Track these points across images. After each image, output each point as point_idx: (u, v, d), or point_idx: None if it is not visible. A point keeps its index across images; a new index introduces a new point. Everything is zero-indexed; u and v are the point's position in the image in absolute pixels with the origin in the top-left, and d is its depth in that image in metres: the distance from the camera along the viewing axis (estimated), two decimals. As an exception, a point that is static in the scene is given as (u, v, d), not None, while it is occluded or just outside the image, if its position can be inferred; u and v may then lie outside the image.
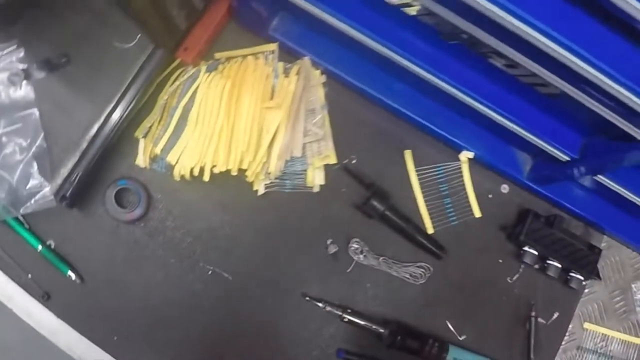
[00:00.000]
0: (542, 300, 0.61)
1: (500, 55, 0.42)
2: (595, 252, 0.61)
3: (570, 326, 0.63)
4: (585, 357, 0.64)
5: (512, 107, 0.48)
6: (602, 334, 0.64)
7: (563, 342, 0.62)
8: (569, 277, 0.60)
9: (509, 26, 0.35)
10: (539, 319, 0.61)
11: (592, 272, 0.60)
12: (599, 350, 0.64)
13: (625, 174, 0.51)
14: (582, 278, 0.60)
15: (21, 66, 0.56)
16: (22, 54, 0.56)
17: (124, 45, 0.57)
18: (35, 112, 0.56)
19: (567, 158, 0.50)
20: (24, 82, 0.56)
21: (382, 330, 0.55)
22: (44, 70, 0.57)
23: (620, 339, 0.65)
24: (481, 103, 0.49)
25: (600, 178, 0.51)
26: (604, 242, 0.64)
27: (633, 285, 0.65)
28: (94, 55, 0.57)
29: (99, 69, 0.56)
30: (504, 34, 0.37)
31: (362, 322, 0.55)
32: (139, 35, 0.57)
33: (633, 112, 0.38)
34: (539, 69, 0.40)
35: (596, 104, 0.42)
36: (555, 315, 0.61)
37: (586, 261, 0.60)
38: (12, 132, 0.56)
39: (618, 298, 0.65)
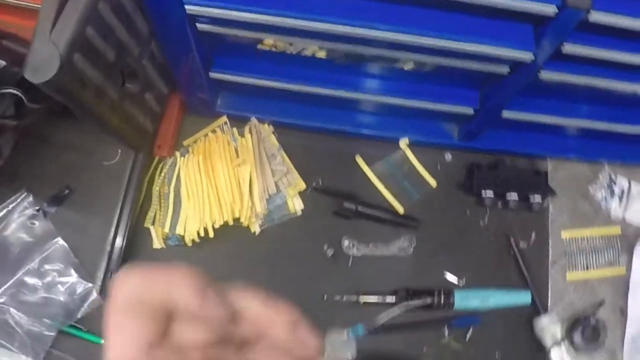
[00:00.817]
0: (517, 229, 0.79)
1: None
2: (542, 174, 0.80)
3: (550, 241, 0.81)
4: (575, 259, 0.82)
5: (412, 90, 0.68)
6: (581, 236, 0.82)
7: (550, 256, 0.80)
8: (530, 202, 0.79)
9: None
10: (521, 244, 0.79)
11: (546, 191, 0.79)
12: (583, 250, 0.82)
13: (523, 102, 0.71)
14: (540, 198, 0.79)
15: (33, 209, 0.75)
16: (31, 199, 0.74)
17: (111, 162, 0.78)
18: (59, 239, 0.76)
19: (472, 111, 0.70)
20: (42, 220, 0.77)
21: (394, 299, 0.74)
22: (53, 205, 0.76)
23: (599, 235, 0.83)
24: (391, 96, 0.69)
25: (507, 113, 0.71)
26: (550, 166, 0.83)
27: (590, 188, 0.84)
28: (90, 178, 0.76)
29: (98, 187, 0.75)
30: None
31: (376, 300, 0.74)
32: (120, 150, 0.79)
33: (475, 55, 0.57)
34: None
35: (445, 59, 0.60)
36: (533, 236, 0.79)
37: (537, 184, 0.79)
38: (45, 261, 0.75)
39: (581, 203, 0.82)
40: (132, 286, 0.23)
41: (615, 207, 0.82)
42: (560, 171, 0.81)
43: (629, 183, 0.83)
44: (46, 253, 0.76)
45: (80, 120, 0.77)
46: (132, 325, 0.22)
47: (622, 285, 0.81)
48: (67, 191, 0.78)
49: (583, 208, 0.81)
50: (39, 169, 0.78)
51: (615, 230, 0.82)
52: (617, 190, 0.82)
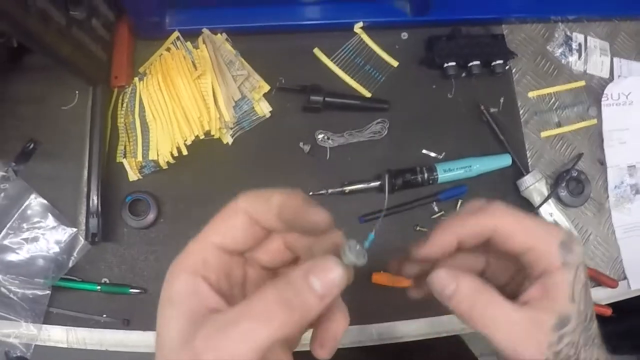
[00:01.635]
0: (485, 95, 0.80)
1: None
2: (499, 37, 0.81)
3: (519, 102, 0.82)
4: (547, 117, 0.83)
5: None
6: (548, 93, 0.83)
7: (521, 117, 0.82)
8: (492, 67, 0.80)
9: None
10: (492, 109, 0.80)
11: (506, 53, 0.80)
12: (553, 107, 0.83)
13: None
14: (501, 62, 0.80)
15: (2, 171, 0.74)
16: None
17: (70, 105, 0.77)
18: (34, 195, 0.74)
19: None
20: (13, 180, 0.75)
21: (379, 183, 0.74)
22: (21, 162, 0.75)
23: (565, 90, 0.84)
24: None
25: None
26: (505, 30, 0.84)
27: (547, 47, 0.85)
28: (52, 126, 0.75)
29: (62, 134, 0.75)
30: None
31: (361, 186, 0.74)
32: (77, 91, 0.77)
33: None
34: None
35: None
36: (502, 100, 0.80)
37: (496, 48, 0.80)
38: (24, 220, 0.73)
39: (542, 62, 0.84)
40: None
41: (575, 62, 0.84)
42: (516, 34, 0.82)
43: (585, 38, 0.84)
44: (24, 211, 0.75)
45: (29, 69, 0.76)
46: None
47: (597, 136, 0.83)
48: (31, 145, 0.76)
49: (545, 66, 0.83)
50: None
51: (580, 83, 0.83)
52: (574, 45, 0.84)
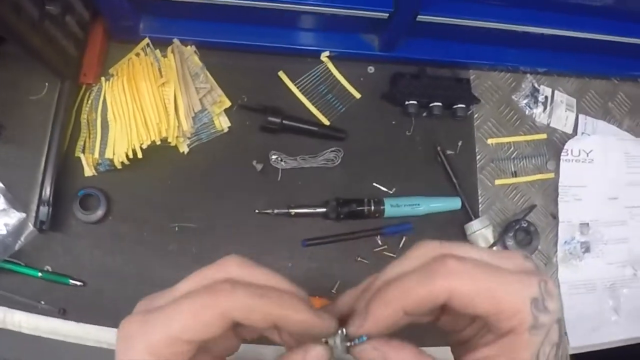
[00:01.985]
0: (443, 136, 0.81)
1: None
2: (464, 82, 0.82)
3: (477, 147, 0.83)
4: (503, 165, 0.84)
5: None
6: (507, 142, 0.84)
7: (478, 162, 0.83)
8: (453, 109, 0.81)
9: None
10: (448, 152, 0.81)
11: (469, 98, 0.82)
12: (511, 156, 0.84)
13: (440, 5, 0.72)
14: (464, 106, 0.81)
15: None
16: None
17: (39, 95, 0.79)
18: (-8, 179, 0.77)
19: (387, 15, 0.72)
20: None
21: (325, 209, 0.75)
22: None
23: (526, 141, 0.85)
24: (306, 4, 0.71)
25: (423, 17, 0.73)
26: (472, 75, 0.85)
27: (513, 97, 0.86)
28: (19, 113, 0.78)
29: (27, 122, 0.77)
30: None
31: (306, 210, 0.75)
32: (47, 83, 0.79)
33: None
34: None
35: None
36: (460, 143, 0.82)
37: (460, 91, 0.81)
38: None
39: (506, 111, 0.86)
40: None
41: (540, 114, 0.85)
42: (483, 80, 0.84)
43: (552, 91, 0.85)
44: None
45: (4, 55, 0.78)
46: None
47: (552, 190, 0.84)
48: (-3, 128, 0.77)
49: (508, 115, 0.84)
50: None
51: (542, 136, 0.84)
52: (540, 97, 0.85)
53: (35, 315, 0.73)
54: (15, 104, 0.79)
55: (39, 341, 0.75)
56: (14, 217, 0.75)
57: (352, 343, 0.30)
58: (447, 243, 0.30)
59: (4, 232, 0.73)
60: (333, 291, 0.75)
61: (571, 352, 0.83)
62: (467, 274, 0.27)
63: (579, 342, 0.83)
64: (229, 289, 0.27)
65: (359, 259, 0.77)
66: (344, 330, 0.31)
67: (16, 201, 0.75)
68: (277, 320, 0.28)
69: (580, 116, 0.88)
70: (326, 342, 0.30)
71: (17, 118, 0.78)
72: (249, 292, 0.28)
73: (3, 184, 0.76)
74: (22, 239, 0.74)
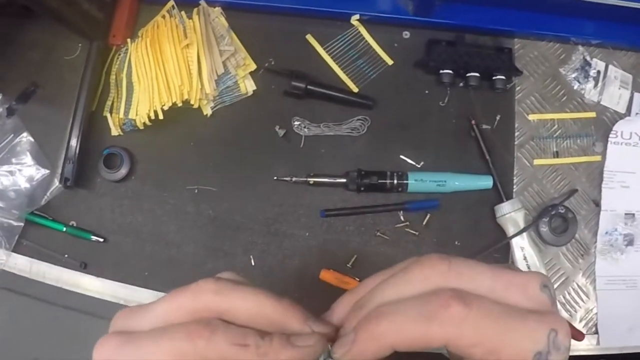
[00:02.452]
0: (480, 109, 0.76)
1: None
2: (506, 51, 0.76)
3: (516, 123, 0.77)
4: (544, 144, 0.77)
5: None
6: (551, 119, 0.78)
7: (516, 139, 0.76)
8: (493, 81, 0.75)
9: None
10: (484, 126, 0.75)
11: (510, 69, 0.75)
12: (554, 135, 0.77)
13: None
14: (504, 77, 0.75)
15: (3, 107, 0.79)
16: (0, 97, 0.80)
17: (72, 56, 0.80)
18: (25, 134, 0.78)
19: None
20: (11, 116, 0.79)
21: (345, 180, 0.72)
22: (21, 102, 0.80)
23: (571, 118, 0.78)
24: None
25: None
26: (517, 44, 0.78)
27: (561, 70, 0.79)
28: (54, 73, 0.80)
29: (60, 82, 0.79)
30: None
31: (326, 180, 0.72)
32: (80, 45, 0.80)
33: None
34: None
35: None
36: (498, 118, 0.76)
37: (500, 62, 0.75)
38: (13, 155, 0.78)
39: (552, 85, 0.78)
40: None
41: (590, 90, 0.78)
42: (528, 50, 0.78)
43: (606, 66, 0.77)
44: (14, 147, 0.79)
45: (42, 17, 0.80)
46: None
47: (597, 175, 0.78)
48: (32, 88, 0.80)
49: (554, 90, 0.78)
50: (6, 69, 0.82)
51: (590, 114, 0.77)
52: (592, 72, 0.78)
53: (59, 268, 0.75)
54: (51, 64, 0.80)
55: (58, 293, 0.77)
56: (40, 172, 0.76)
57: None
58: (456, 264, 0.27)
59: (28, 186, 0.75)
60: (349, 265, 0.72)
61: (603, 352, 0.76)
62: (471, 324, 0.25)
63: (612, 342, 0.76)
64: (207, 336, 0.26)
65: (378, 233, 0.73)
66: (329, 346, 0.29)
67: (44, 157, 0.77)
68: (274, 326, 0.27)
69: (636, 95, 0.80)
70: None
71: (52, 78, 0.80)
72: (228, 340, 0.26)
73: (34, 139, 0.77)
74: (49, 194, 0.77)
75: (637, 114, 0.79)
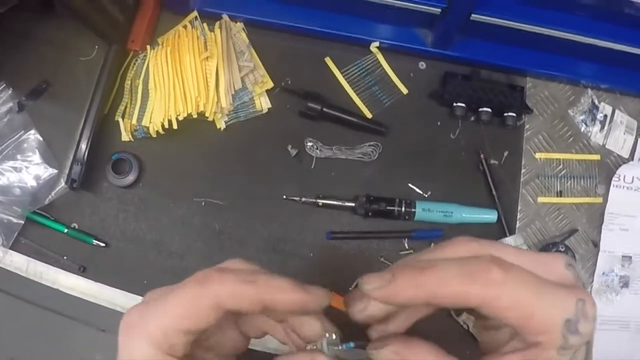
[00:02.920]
0: (489, 144, 0.77)
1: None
2: (518, 89, 0.77)
3: (523, 160, 0.78)
4: (549, 183, 0.78)
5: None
6: (557, 159, 0.79)
7: (522, 176, 0.78)
8: (503, 117, 0.76)
9: None
10: (492, 161, 0.76)
11: (522, 107, 0.76)
12: (559, 174, 0.79)
13: (496, 5, 0.68)
14: (514, 115, 0.76)
15: (13, 102, 0.78)
16: (10, 92, 0.78)
17: (88, 57, 0.79)
18: (33, 131, 0.77)
19: (439, 9, 0.68)
20: (20, 112, 0.78)
21: (354, 204, 0.72)
22: (31, 99, 0.79)
23: (577, 160, 0.79)
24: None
25: (477, 16, 0.68)
26: (529, 83, 0.80)
27: (570, 111, 0.80)
28: (67, 73, 0.79)
29: (74, 82, 0.78)
30: None
31: (335, 202, 0.73)
32: (97, 46, 0.79)
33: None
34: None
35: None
36: (506, 154, 0.77)
37: (512, 99, 0.76)
38: (19, 151, 0.77)
39: (560, 126, 0.80)
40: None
41: (595, 133, 0.79)
42: (539, 89, 0.79)
43: (613, 110, 0.79)
44: (21, 143, 0.78)
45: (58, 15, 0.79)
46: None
47: (597, 216, 0.79)
48: (44, 85, 0.80)
49: (561, 130, 0.79)
50: (19, 64, 0.81)
51: (595, 157, 0.79)
52: (599, 115, 0.79)
53: (56, 269, 0.74)
54: (65, 63, 0.80)
55: (56, 294, 0.76)
56: (46, 172, 0.76)
57: (341, 347, 0.29)
58: (485, 242, 0.29)
59: (35, 184, 0.75)
60: (350, 289, 0.72)
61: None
62: (509, 287, 0.26)
63: (606, 381, 0.77)
64: (217, 277, 0.28)
65: (382, 259, 0.74)
66: (334, 335, 0.30)
67: (52, 157, 0.76)
68: (267, 303, 0.28)
69: (640, 141, 0.82)
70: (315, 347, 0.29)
71: (65, 77, 0.79)
72: (237, 278, 0.28)
73: (43, 138, 0.77)
74: (53, 194, 0.76)
75: (639, 159, 0.81)
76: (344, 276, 0.73)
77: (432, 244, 0.75)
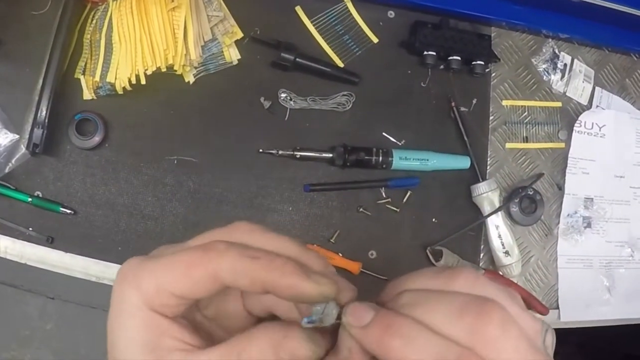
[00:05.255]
0: (458, 92, 0.77)
1: None
2: (486, 38, 0.78)
3: (491, 108, 0.79)
4: (515, 129, 0.80)
5: None
6: (522, 106, 0.80)
7: (490, 123, 0.79)
8: (472, 66, 0.77)
9: None
10: (462, 108, 0.77)
11: (489, 56, 0.77)
12: (524, 121, 0.80)
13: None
14: (482, 63, 0.76)
15: None
16: None
17: (41, 11, 0.73)
18: (-15, 94, 0.71)
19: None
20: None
21: (331, 155, 0.71)
22: None
23: (540, 106, 0.81)
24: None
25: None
26: (493, 32, 0.81)
27: (532, 60, 0.82)
28: (20, 29, 0.73)
29: (28, 38, 0.73)
30: None
31: (312, 154, 0.71)
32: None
33: None
34: None
35: None
36: (474, 101, 0.78)
37: (481, 48, 0.77)
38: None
39: (524, 74, 0.82)
40: None
41: (557, 81, 0.81)
42: (503, 39, 0.80)
43: (572, 60, 0.81)
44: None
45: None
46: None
47: (561, 161, 0.81)
48: (-5, 43, 0.72)
49: (525, 78, 0.81)
50: None
51: (556, 104, 0.81)
52: (560, 64, 0.81)
53: (22, 242, 0.69)
54: (16, 18, 0.73)
55: (24, 269, 0.71)
56: (7, 138, 0.70)
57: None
58: (492, 286, 0.25)
59: (-8, 154, 0.69)
60: (331, 240, 0.71)
61: (562, 326, 0.80)
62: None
63: (570, 317, 0.81)
64: (221, 249, 0.26)
65: (360, 209, 0.73)
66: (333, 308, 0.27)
67: (9, 121, 0.71)
68: (266, 285, 0.26)
69: (597, 89, 0.84)
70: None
71: (17, 33, 0.73)
72: (241, 254, 0.26)
73: (1, 103, 0.70)
74: (13, 161, 0.70)
75: (597, 106, 0.84)
76: (324, 228, 0.72)
77: (409, 192, 0.74)
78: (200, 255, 0.26)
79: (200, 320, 0.30)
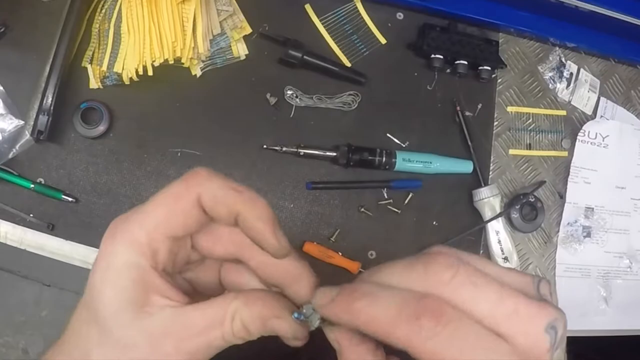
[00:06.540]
0: (464, 96, 0.77)
1: None
2: (494, 44, 0.78)
3: (495, 113, 0.79)
4: (519, 136, 0.80)
5: None
6: (526, 113, 0.81)
7: (494, 128, 0.79)
8: (478, 70, 0.77)
9: None
10: (466, 113, 0.77)
11: (496, 61, 0.77)
12: (528, 128, 0.80)
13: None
14: (489, 68, 0.76)
15: None
16: None
17: (51, -2, 0.73)
18: (-7, 80, 0.71)
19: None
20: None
21: (335, 154, 0.71)
22: None
23: (545, 114, 0.81)
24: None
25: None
26: (501, 39, 0.81)
27: (539, 67, 0.82)
28: (28, 15, 0.73)
29: (36, 25, 0.72)
30: None
31: (316, 152, 0.71)
32: (61, -14, 0.73)
33: None
34: None
35: None
36: (479, 106, 0.78)
37: (488, 53, 0.77)
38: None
39: (530, 81, 0.82)
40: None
41: (562, 90, 0.81)
42: (510, 45, 0.80)
43: (578, 69, 0.81)
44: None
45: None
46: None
47: (563, 169, 0.81)
48: (3, 29, 0.73)
49: (531, 86, 0.80)
50: None
51: (561, 112, 0.81)
52: (566, 73, 0.81)
53: (23, 228, 0.69)
54: (25, 4, 0.73)
55: (22, 255, 0.71)
56: (12, 123, 0.70)
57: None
58: (461, 278, 0.24)
59: (0, 137, 0.68)
60: (332, 239, 0.71)
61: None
62: (436, 342, 0.22)
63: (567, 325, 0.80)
64: (204, 175, 0.27)
65: (362, 209, 0.73)
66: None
67: (15, 107, 0.70)
68: (239, 215, 0.27)
69: (602, 99, 0.85)
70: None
71: (25, 19, 0.73)
72: (224, 183, 0.27)
73: (3, 87, 0.70)
74: (17, 147, 0.70)
75: (601, 116, 0.84)
76: (325, 227, 0.72)
77: (410, 194, 0.74)
78: (183, 185, 0.27)
79: (181, 283, 0.32)
